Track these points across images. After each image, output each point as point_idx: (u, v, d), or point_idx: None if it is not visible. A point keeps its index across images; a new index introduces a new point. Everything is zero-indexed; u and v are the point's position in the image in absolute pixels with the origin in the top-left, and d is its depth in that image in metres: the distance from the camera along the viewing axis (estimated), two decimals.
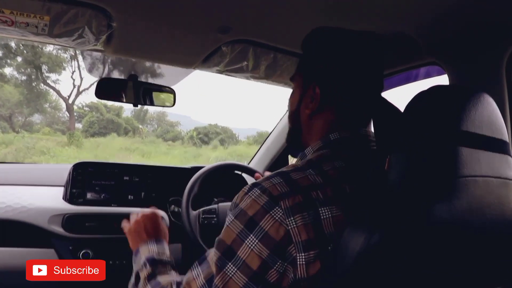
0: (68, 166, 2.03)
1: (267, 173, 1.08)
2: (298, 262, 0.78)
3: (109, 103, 26.07)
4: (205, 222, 1.82)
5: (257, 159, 2.62)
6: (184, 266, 2.07)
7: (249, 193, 0.85)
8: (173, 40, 1.50)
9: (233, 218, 0.85)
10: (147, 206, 2.04)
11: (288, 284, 0.81)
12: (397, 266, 0.71)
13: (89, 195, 1.99)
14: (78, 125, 28.15)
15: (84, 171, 2.01)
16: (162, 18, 1.32)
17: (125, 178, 2.08)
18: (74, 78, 27.71)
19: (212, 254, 0.87)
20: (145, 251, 1.20)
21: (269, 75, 1.82)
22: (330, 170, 0.87)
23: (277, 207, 0.80)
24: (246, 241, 0.81)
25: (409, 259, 0.71)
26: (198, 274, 0.88)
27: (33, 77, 25.04)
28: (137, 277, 1.15)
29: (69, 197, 1.94)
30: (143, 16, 1.30)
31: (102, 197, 2.01)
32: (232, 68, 1.72)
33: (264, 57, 1.64)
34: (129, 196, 2.07)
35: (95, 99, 25.27)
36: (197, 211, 1.85)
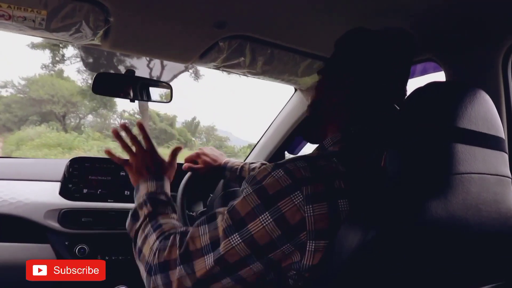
0: (65, 161, 2.03)
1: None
2: (307, 249, 0.79)
3: (162, 111, 25.03)
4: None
5: (254, 155, 2.61)
6: None
7: (273, 173, 0.84)
8: (170, 35, 1.50)
9: (251, 190, 0.85)
10: None
11: (289, 267, 0.82)
12: (393, 262, 0.71)
13: (85, 190, 1.98)
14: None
15: (80, 166, 2.01)
16: (159, 13, 1.32)
17: (121, 173, 2.08)
18: None
19: (222, 218, 0.87)
20: (144, 188, 1.17)
21: (266, 71, 1.82)
22: (353, 161, 0.88)
23: (298, 192, 0.80)
24: (260, 217, 0.81)
25: (404, 256, 0.72)
26: (204, 232, 0.88)
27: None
28: (134, 215, 1.13)
29: (66, 192, 1.94)
30: (140, 11, 1.30)
31: (98, 192, 2.01)
32: (229, 64, 1.72)
33: (261, 53, 1.64)
34: (126, 192, 2.07)
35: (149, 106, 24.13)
36: (192, 213, 1.86)
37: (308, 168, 0.83)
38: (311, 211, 0.79)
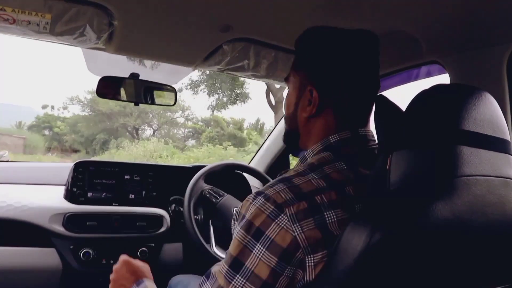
0: (69, 165, 2.03)
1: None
2: (307, 264, 0.79)
3: (228, 116, 24.26)
4: (207, 195, 1.88)
5: (258, 159, 2.61)
6: (185, 266, 2.08)
7: (254, 202, 0.85)
8: (174, 39, 1.50)
9: (239, 229, 0.85)
10: (148, 205, 2.05)
11: (298, 286, 0.82)
12: (398, 265, 0.71)
13: (90, 194, 1.98)
14: (192, 142, 24.81)
15: (85, 170, 2.01)
16: (163, 17, 1.32)
17: (126, 177, 2.08)
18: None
19: (220, 266, 0.86)
20: None
21: (270, 73, 1.82)
22: (333, 172, 0.87)
23: (282, 215, 0.80)
24: (253, 251, 0.81)
25: (410, 258, 0.71)
26: None
27: None
28: None
29: (70, 196, 1.94)
30: (144, 15, 1.31)
31: (103, 196, 2.01)
32: (233, 66, 1.72)
33: (265, 56, 1.64)
34: (130, 195, 2.07)
35: (210, 112, 23.40)
36: (206, 185, 1.90)
37: (287, 190, 0.83)
38: (299, 228, 0.79)
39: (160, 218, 2.03)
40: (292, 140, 1.10)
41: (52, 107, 28.24)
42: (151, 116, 23.82)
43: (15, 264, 1.75)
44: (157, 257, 2.00)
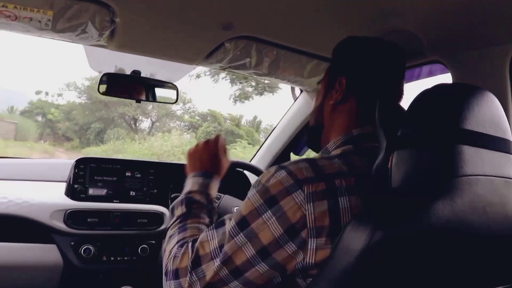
0: (70, 162, 2.03)
1: None
2: (309, 247, 0.81)
3: (225, 111, 23.80)
4: None
5: (259, 157, 2.61)
6: None
7: (276, 174, 0.87)
8: (176, 36, 1.50)
9: (254, 191, 0.88)
10: (149, 202, 2.05)
11: (294, 268, 0.83)
12: (399, 264, 0.71)
13: (91, 191, 1.99)
14: (187, 136, 22.60)
15: (86, 167, 2.01)
16: (165, 14, 1.32)
17: (127, 174, 2.08)
18: None
19: (229, 222, 0.90)
20: (189, 185, 1.22)
21: (272, 72, 1.82)
22: (356, 161, 0.90)
23: (299, 190, 0.82)
24: (263, 216, 0.84)
25: (411, 258, 0.71)
26: (212, 237, 0.91)
27: None
28: (172, 210, 1.17)
29: (71, 193, 1.94)
30: (146, 12, 1.30)
31: (104, 193, 2.01)
32: (235, 64, 1.72)
33: (267, 54, 1.64)
34: (131, 192, 2.07)
35: (209, 107, 22.48)
36: None
37: (310, 168, 0.85)
38: (312, 209, 0.81)
39: (161, 215, 2.03)
40: (316, 136, 1.13)
41: (47, 93, 27.16)
42: (151, 107, 22.97)
43: (15, 260, 1.75)
44: (158, 254, 2.00)
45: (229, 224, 0.89)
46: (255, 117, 26.34)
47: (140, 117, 23.82)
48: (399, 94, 1.07)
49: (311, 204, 0.81)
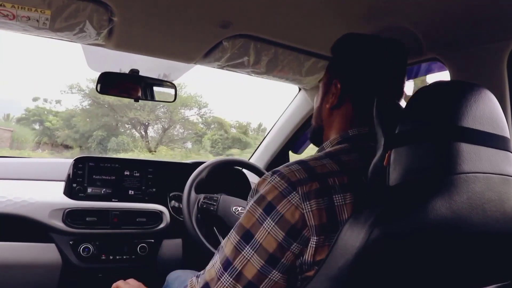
0: (69, 161, 2.03)
1: None
2: (310, 245, 0.82)
3: (232, 119, 23.34)
4: (204, 206, 1.84)
5: (258, 155, 2.61)
6: (185, 262, 2.08)
7: (269, 180, 0.89)
8: (174, 35, 1.50)
9: (253, 202, 0.89)
10: (148, 201, 2.05)
11: (297, 264, 0.84)
12: (397, 261, 0.71)
13: (90, 190, 1.99)
14: (187, 145, 21.85)
15: (85, 166, 2.01)
16: (163, 13, 1.32)
17: (125, 173, 2.09)
18: None
19: (231, 237, 0.90)
20: None
21: (270, 70, 1.82)
22: (348, 160, 0.91)
23: (294, 192, 0.83)
24: (264, 225, 0.84)
25: (409, 255, 0.71)
26: (215, 261, 0.91)
27: None
28: None
29: (70, 192, 1.94)
30: (144, 11, 1.30)
31: (103, 192, 2.01)
32: (233, 63, 1.72)
33: (265, 53, 1.64)
34: (130, 191, 2.07)
35: (214, 114, 21.58)
36: (199, 194, 1.87)
37: (302, 170, 0.87)
38: (309, 206, 0.82)
39: (159, 214, 2.03)
40: (318, 136, 1.15)
41: (45, 100, 26.74)
42: (162, 110, 21.12)
43: (14, 259, 1.75)
44: (157, 253, 2.01)
45: (233, 239, 0.88)
46: (259, 125, 25.69)
47: (151, 123, 21.90)
48: (400, 92, 1.07)
49: (308, 202, 0.82)
